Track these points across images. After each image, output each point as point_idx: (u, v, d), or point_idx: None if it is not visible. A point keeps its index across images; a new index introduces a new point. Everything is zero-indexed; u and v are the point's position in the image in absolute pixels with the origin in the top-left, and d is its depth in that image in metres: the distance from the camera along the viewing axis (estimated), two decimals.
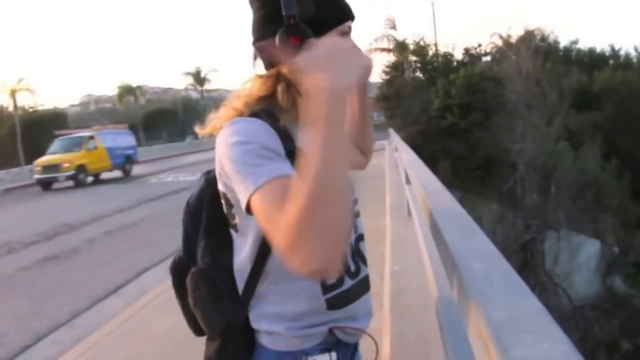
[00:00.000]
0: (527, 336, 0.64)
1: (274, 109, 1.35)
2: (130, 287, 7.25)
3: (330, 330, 1.43)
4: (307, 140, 1.04)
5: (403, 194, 4.57)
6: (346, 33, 1.38)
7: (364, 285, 1.50)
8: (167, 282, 5.87)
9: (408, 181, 4.22)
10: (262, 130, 1.27)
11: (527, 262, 21.29)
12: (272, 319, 1.40)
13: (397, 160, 9.21)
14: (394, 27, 36.58)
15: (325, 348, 1.43)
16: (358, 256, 1.51)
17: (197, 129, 1.49)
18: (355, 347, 1.58)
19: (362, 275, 1.50)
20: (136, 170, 29.18)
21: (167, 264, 6.16)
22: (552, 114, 24.91)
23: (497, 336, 0.64)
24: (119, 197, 17.85)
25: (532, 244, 22.01)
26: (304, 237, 0.98)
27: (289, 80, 1.34)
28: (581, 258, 21.09)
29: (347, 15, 1.39)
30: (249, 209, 1.19)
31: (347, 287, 1.43)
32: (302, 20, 1.25)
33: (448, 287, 1.81)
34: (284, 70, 1.33)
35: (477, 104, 25.51)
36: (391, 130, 16.75)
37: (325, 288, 1.39)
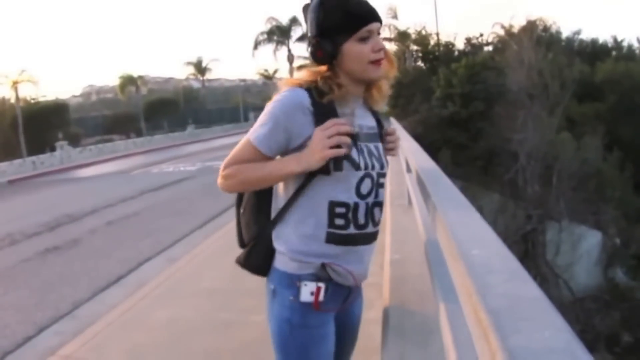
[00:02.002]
0: (526, 324, 0.64)
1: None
2: (131, 277, 7.24)
3: (323, 266, 1.82)
4: (260, 165, 1.81)
5: (403, 183, 4.56)
6: (365, 38, 1.80)
7: (365, 238, 1.89)
8: (168, 272, 5.96)
9: (409, 170, 4.23)
10: (294, 102, 1.82)
11: (528, 252, 21.25)
12: (282, 239, 1.87)
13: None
14: (395, 17, 36.57)
15: (317, 278, 1.82)
16: (370, 216, 1.88)
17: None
18: (349, 291, 1.94)
19: (367, 230, 1.88)
20: (138, 160, 29.21)
21: (169, 253, 6.25)
22: (554, 104, 24.84)
23: (496, 324, 0.64)
24: (121, 187, 17.88)
25: (533, 235, 21.98)
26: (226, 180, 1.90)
27: (326, 75, 1.85)
28: (582, 249, 21.05)
29: (361, 22, 1.79)
30: None
31: (349, 232, 1.83)
32: (323, 38, 1.82)
33: (449, 276, 1.84)
34: (321, 69, 1.88)
35: (478, 94, 25.42)
36: (392, 120, 16.73)
37: (331, 225, 1.81)
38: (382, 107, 2.06)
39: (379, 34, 1.85)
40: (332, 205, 1.81)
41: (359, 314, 2.15)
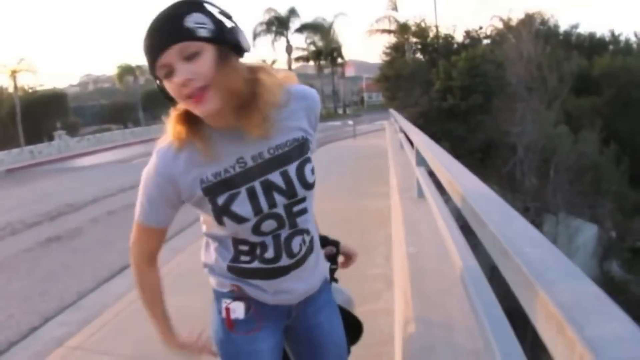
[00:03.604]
0: (595, 316, 0.67)
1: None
2: None
3: (237, 287, 1.75)
4: (157, 308, 1.93)
5: (411, 176, 4.57)
6: (168, 73, 1.40)
7: (276, 272, 1.70)
8: (173, 263, 5.95)
9: (419, 163, 4.26)
10: (152, 175, 1.60)
11: None
12: (206, 258, 1.84)
13: (402, 141, 9.20)
14: (395, 9, 36.58)
15: (237, 297, 1.76)
16: (285, 249, 1.67)
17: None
18: (288, 307, 1.83)
19: (279, 264, 1.69)
20: (136, 150, 29.22)
21: (172, 243, 6.23)
22: (552, 98, 24.94)
23: (570, 317, 0.67)
24: (120, 177, 17.84)
25: None
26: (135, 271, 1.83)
27: (180, 110, 1.55)
28: (579, 242, 21.15)
29: (151, 58, 1.41)
30: None
31: (253, 266, 1.69)
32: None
33: (475, 269, 1.90)
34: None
35: (478, 87, 25.49)
36: (393, 111, 16.75)
37: (235, 259, 1.70)
38: (283, 130, 1.60)
39: (194, 68, 1.39)
40: (236, 242, 1.68)
41: (328, 325, 1.98)
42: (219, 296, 1.82)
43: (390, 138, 13.64)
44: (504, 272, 0.99)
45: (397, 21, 35.89)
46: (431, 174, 4.05)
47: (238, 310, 1.76)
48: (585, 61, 29.54)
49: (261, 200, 1.58)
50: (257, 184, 1.58)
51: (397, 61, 30.96)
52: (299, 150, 1.64)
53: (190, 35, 1.37)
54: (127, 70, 55.56)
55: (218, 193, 1.56)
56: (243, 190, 1.57)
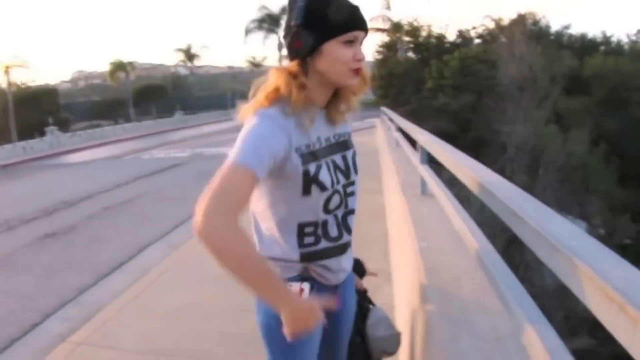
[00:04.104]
0: None
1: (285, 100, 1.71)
2: (133, 263, 7.31)
3: (306, 268, 1.88)
4: (264, 266, 1.60)
5: (413, 173, 4.69)
6: (350, 41, 1.68)
7: (340, 249, 1.92)
8: (172, 258, 6.00)
9: (423, 161, 4.40)
10: (268, 125, 1.65)
11: (513, 241, 21.45)
12: (265, 248, 1.86)
13: (398, 139, 9.27)
14: (388, 8, 36.68)
15: (302, 279, 1.86)
16: (343, 226, 1.90)
17: (236, 114, 1.78)
18: (334, 288, 1.98)
19: (342, 241, 1.91)
20: (128, 146, 29.20)
21: (169, 239, 6.28)
22: (543, 98, 25.11)
23: (630, 300, 0.76)
24: (113, 173, 17.86)
25: None
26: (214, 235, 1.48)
27: (292, 73, 1.72)
28: None
29: (351, 25, 1.68)
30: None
31: (322, 247, 1.85)
32: (306, 28, 1.66)
33: (495, 255, 2.01)
34: (290, 66, 1.74)
35: (469, 86, 25.67)
36: (387, 110, 16.83)
37: (301, 245, 1.82)
38: (344, 122, 1.92)
39: (361, 44, 1.74)
40: (301, 227, 1.80)
41: (351, 305, 2.19)
42: None
43: (384, 136, 13.70)
44: (554, 265, 1.07)
45: (390, 20, 36.01)
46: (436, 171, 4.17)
47: (306, 290, 1.86)
48: (576, 61, 29.72)
49: (332, 175, 1.80)
50: (328, 161, 1.82)
51: (390, 60, 31.10)
52: (351, 141, 1.97)
53: (367, 29, 1.77)
54: (119, 67, 55.49)
55: (309, 162, 1.73)
56: (323, 163, 1.78)
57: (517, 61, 25.51)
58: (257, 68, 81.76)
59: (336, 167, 1.84)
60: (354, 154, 1.96)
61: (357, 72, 1.72)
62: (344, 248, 1.93)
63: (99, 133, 38.16)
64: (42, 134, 32.88)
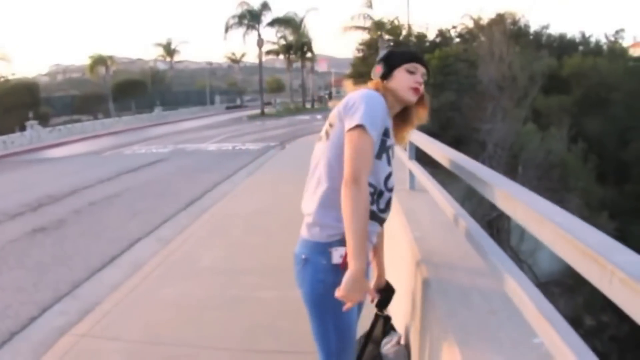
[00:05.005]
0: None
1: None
2: (125, 257, 7.40)
3: None
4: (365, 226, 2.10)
5: (402, 169, 4.91)
6: (411, 72, 2.39)
7: (380, 219, 2.38)
8: (164, 252, 6.14)
9: (412, 157, 4.72)
10: (382, 103, 2.26)
11: (493, 238, 21.76)
12: (317, 215, 2.27)
13: None
14: (370, 6, 36.88)
15: (344, 244, 2.11)
16: (389, 205, 2.40)
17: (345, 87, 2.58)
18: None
19: (384, 215, 2.40)
20: (108, 141, 29.11)
21: (158, 234, 6.42)
22: (522, 96, 25.45)
23: (602, 255, 1.04)
24: (96, 168, 17.88)
25: (498, 221, 22.42)
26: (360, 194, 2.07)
27: (384, 87, 2.42)
28: None
29: (412, 59, 2.43)
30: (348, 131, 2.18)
31: (372, 209, 2.26)
32: (386, 62, 2.44)
33: (492, 246, 2.22)
34: (377, 82, 2.45)
35: (450, 84, 25.91)
36: None
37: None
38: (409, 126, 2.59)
39: (423, 78, 2.42)
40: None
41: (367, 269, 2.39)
42: (323, 248, 2.23)
43: None
44: (542, 236, 1.31)
45: (371, 18, 36.25)
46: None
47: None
48: (555, 61, 30.11)
49: (390, 158, 2.37)
50: (391, 150, 2.40)
51: (371, 58, 31.30)
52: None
53: (428, 69, 2.50)
54: (99, 61, 55.16)
55: (388, 137, 2.34)
56: (391, 146, 2.40)
57: (496, 60, 25.81)
58: (236, 64, 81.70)
59: (392, 154, 2.42)
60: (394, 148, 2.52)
61: (417, 90, 2.39)
62: (382, 221, 2.43)
63: (79, 128, 38.00)
64: (22, 128, 32.64)
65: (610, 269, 1.02)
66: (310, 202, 2.32)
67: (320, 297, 2.23)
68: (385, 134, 2.28)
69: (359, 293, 2.06)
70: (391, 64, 2.42)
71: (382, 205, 2.33)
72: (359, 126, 2.12)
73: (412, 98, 2.40)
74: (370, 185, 2.20)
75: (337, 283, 2.06)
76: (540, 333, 1.48)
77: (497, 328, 2.01)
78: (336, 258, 2.18)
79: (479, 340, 1.93)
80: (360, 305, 2.49)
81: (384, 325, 2.78)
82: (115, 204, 11.42)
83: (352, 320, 2.35)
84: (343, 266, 2.09)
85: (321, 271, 2.22)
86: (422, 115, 2.52)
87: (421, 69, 2.42)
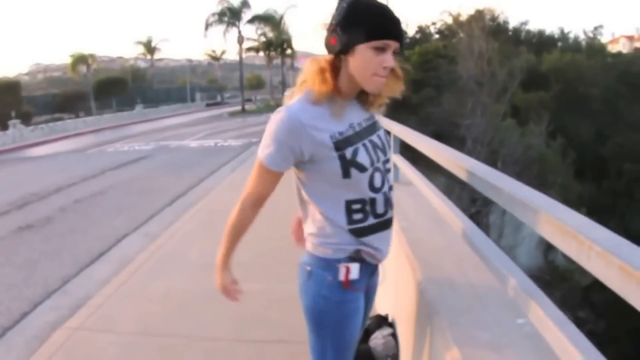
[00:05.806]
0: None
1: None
2: (113, 253, 7.46)
3: (357, 250, 2.04)
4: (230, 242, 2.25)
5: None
6: (379, 49, 1.83)
7: (385, 224, 2.09)
8: (152, 248, 6.23)
9: (396, 150, 4.88)
10: (293, 123, 1.90)
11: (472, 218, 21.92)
12: (316, 231, 2.05)
13: None
14: None
15: (351, 260, 2.04)
16: (388, 203, 2.08)
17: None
18: (374, 268, 2.21)
19: (387, 217, 2.09)
20: (91, 139, 29.00)
21: (145, 230, 6.51)
22: (501, 92, 25.67)
23: (580, 232, 1.20)
24: (80, 166, 17.86)
25: (477, 217, 22.57)
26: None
27: (321, 68, 1.92)
28: (524, 232, 21.71)
29: (383, 33, 1.84)
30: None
31: (369, 223, 2.02)
32: (343, 29, 1.83)
33: (474, 228, 2.39)
34: (325, 58, 1.93)
35: (430, 80, 26.10)
36: None
37: (350, 222, 2.00)
38: (375, 107, 2.11)
39: (394, 54, 1.87)
40: (349, 203, 1.98)
41: (376, 285, 2.35)
42: (329, 263, 2.05)
43: None
44: (525, 218, 1.47)
45: None
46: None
47: (354, 270, 2.04)
48: (534, 57, 30.38)
49: (372, 155, 2.00)
50: (366, 142, 2.01)
51: None
52: (377, 122, 2.15)
53: (403, 39, 1.92)
54: (80, 59, 54.84)
55: (345, 147, 1.93)
56: (360, 146, 1.97)
57: (475, 56, 26.02)
58: (216, 61, 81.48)
59: (375, 146, 2.03)
60: (383, 132, 2.15)
61: (382, 77, 1.88)
62: (388, 223, 2.12)
63: (61, 126, 37.82)
64: (4, 127, 32.43)
65: (588, 244, 1.16)
66: (306, 228, 2.15)
67: (320, 312, 2.10)
68: (338, 147, 1.92)
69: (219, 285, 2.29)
70: (353, 35, 1.83)
71: (380, 210, 2.05)
72: (259, 159, 2.00)
73: (375, 89, 1.94)
74: (357, 201, 1.99)
75: (343, 301, 2.05)
76: (527, 311, 1.66)
77: (483, 310, 2.17)
78: (342, 275, 2.03)
79: (467, 321, 2.08)
80: (363, 323, 2.32)
81: (377, 324, 2.85)
82: (101, 201, 11.47)
83: (354, 340, 2.21)
84: (346, 284, 2.03)
85: (326, 287, 2.05)
86: (395, 87, 2.01)
87: (393, 44, 1.85)
